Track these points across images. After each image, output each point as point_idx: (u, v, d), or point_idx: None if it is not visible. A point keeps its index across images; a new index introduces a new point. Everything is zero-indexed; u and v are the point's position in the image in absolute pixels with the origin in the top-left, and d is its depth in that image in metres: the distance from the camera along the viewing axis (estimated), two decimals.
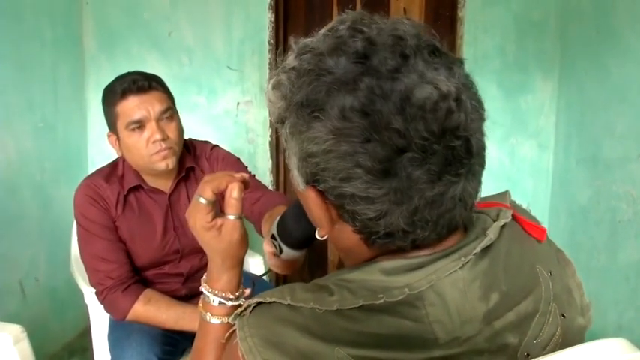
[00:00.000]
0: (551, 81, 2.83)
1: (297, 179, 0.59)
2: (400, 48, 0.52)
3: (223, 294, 0.77)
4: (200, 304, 0.79)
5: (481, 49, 2.79)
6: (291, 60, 0.56)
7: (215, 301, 0.77)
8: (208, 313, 0.77)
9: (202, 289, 0.79)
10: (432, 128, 0.50)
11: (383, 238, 0.56)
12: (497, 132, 2.85)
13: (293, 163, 0.58)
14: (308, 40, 0.57)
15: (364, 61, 0.52)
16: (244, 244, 0.78)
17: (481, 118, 0.56)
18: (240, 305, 0.78)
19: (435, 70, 0.52)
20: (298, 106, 0.54)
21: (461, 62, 0.56)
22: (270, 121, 0.62)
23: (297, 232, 0.87)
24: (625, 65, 2.21)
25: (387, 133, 0.50)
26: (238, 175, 0.78)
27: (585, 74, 2.53)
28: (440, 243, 0.59)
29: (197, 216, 0.75)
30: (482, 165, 0.57)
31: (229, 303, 0.77)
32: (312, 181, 0.56)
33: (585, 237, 2.50)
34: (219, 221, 0.76)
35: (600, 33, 2.40)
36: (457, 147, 0.52)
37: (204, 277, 0.80)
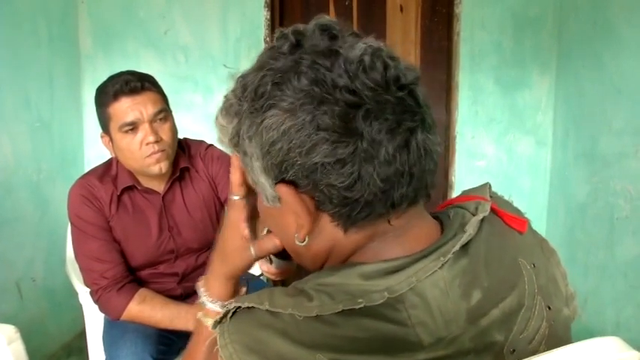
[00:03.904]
0: (548, 76, 2.83)
1: (264, 189, 0.58)
2: (328, 32, 0.56)
3: (215, 300, 0.76)
4: (199, 304, 0.78)
5: (478, 45, 2.78)
6: (234, 85, 0.59)
7: (207, 304, 0.76)
8: (207, 317, 0.75)
9: (199, 293, 0.78)
10: (376, 79, 0.53)
11: (363, 210, 0.55)
12: (494, 128, 2.85)
13: (258, 168, 0.57)
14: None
15: (299, 49, 0.55)
16: (244, 253, 0.74)
17: (417, 75, 0.58)
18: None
19: (364, 41, 0.56)
20: (250, 107, 0.56)
21: (384, 44, 0.59)
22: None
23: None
24: (622, 60, 2.20)
25: (338, 92, 0.52)
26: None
27: (582, 69, 2.53)
28: (417, 240, 0.58)
29: (234, 213, 0.72)
30: (433, 120, 0.58)
31: (220, 309, 0.75)
32: (280, 172, 0.56)
33: (583, 234, 2.50)
34: (246, 231, 0.72)
35: (597, 28, 2.40)
36: (405, 98, 0.54)
37: (201, 280, 0.79)
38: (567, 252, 2.51)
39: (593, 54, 2.42)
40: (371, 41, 0.56)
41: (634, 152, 2.10)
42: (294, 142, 0.53)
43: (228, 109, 0.59)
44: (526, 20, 2.79)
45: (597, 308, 2.30)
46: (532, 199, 2.90)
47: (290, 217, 0.58)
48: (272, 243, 0.69)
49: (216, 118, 0.61)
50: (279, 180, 0.56)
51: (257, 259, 0.74)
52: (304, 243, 0.60)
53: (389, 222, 0.58)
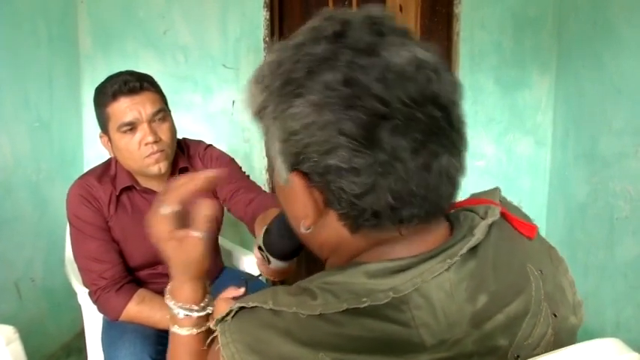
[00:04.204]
0: (548, 76, 2.82)
1: (280, 169, 0.58)
2: (376, 27, 0.53)
3: (187, 306, 0.75)
4: (168, 316, 0.77)
5: (478, 45, 2.78)
6: (270, 56, 0.58)
7: (180, 313, 0.75)
8: (176, 325, 0.76)
9: (166, 300, 0.77)
10: (412, 94, 0.50)
11: (370, 220, 0.55)
12: (494, 129, 2.84)
13: (276, 150, 0.57)
14: (287, 40, 0.58)
15: (341, 39, 0.53)
16: (205, 260, 0.74)
17: (459, 94, 0.56)
18: (208, 315, 0.75)
19: (411, 46, 0.53)
20: (280, 88, 0.54)
21: (434, 47, 0.56)
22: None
23: (281, 246, 0.86)
24: (622, 60, 2.20)
25: (368, 99, 0.50)
26: (204, 175, 0.72)
27: (582, 69, 2.52)
28: (426, 240, 0.58)
29: (158, 225, 0.71)
30: (464, 144, 0.57)
31: (194, 314, 0.75)
32: (296, 162, 0.55)
33: (583, 234, 2.49)
34: (181, 233, 0.71)
35: (597, 28, 2.39)
36: (439, 118, 0.52)
37: (167, 287, 0.78)
38: (567, 252, 2.50)
39: (593, 54, 2.42)
40: (419, 49, 0.53)
41: (634, 152, 2.10)
42: (314, 138, 0.52)
43: (260, 80, 0.58)
44: (526, 20, 2.78)
45: (597, 309, 2.29)
46: (532, 199, 2.89)
47: (299, 203, 0.58)
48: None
49: (249, 83, 0.60)
50: (294, 168, 0.56)
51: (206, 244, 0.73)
52: (309, 231, 0.61)
53: (399, 232, 0.57)
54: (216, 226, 1.61)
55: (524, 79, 2.82)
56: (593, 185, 2.41)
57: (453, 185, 0.56)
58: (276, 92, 0.55)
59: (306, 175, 0.56)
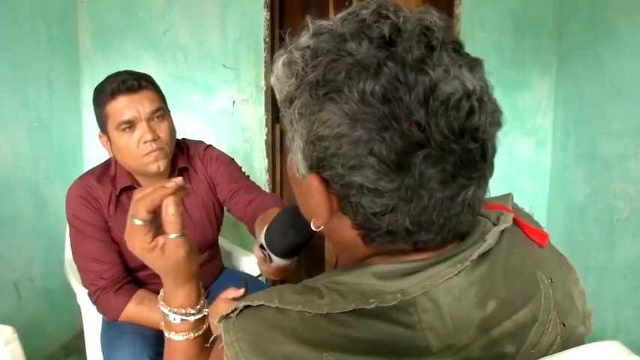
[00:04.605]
0: (548, 78, 2.82)
1: (299, 164, 0.55)
2: (427, 38, 0.50)
3: (183, 310, 0.74)
4: (162, 323, 0.76)
5: (478, 46, 2.77)
6: (305, 39, 0.54)
7: (176, 319, 0.74)
8: (172, 331, 0.75)
9: (161, 308, 0.75)
10: (452, 126, 0.48)
11: (383, 236, 0.54)
12: None
13: (297, 146, 0.54)
14: (325, 22, 0.54)
15: (389, 47, 0.49)
16: (192, 259, 0.72)
17: (498, 124, 0.54)
18: (204, 317, 0.74)
19: (459, 67, 0.50)
20: (312, 85, 0.51)
21: (482, 63, 0.54)
22: (277, 105, 0.57)
23: (284, 243, 0.86)
24: (622, 61, 2.20)
25: (407, 124, 0.47)
26: (171, 184, 0.67)
27: (582, 70, 2.52)
28: (438, 247, 0.57)
29: (135, 238, 0.68)
30: (491, 172, 0.56)
31: (191, 318, 0.74)
32: (317, 166, 0.53)
33: (583, 235, 2.49)
34: (160, 240, 0.68)
35: (597, 29, 2.39)
36: (473, 150, 0.51)
37: (160, 294, 0.76)
38: (567, 253, 2.45)
39: (593, 55, 2.42)
40: (466, 73, 0.50)
41: (634, 154, 2.10)
42: (341, 151, 0.50)
43: (290, 65, 0.54)
44: (526, 21, 2.78)
45: (597, 310, 2.26)
46: (532, 200, 2.89)
47: (312, 201, 0.56)
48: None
49: (278, 62, 0.56)
50: (315, 171, 0.54)
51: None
52: (318, 229, 0.59)
53: (413, 248, 0.56)
54: (218, 213, 1.60)
55: (524, 80, 2.82)
56: (593, 186, 2.41)
57: (473, 214, 0.55)
58: (308, 87, 0.51)
59: (325, 180, 0.54)
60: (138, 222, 0.67)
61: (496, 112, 0.54)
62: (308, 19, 0.55)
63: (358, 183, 0.50)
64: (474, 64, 0.52)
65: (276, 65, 0.56)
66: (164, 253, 0.69)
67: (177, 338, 0.74)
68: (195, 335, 0.75)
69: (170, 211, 0.66)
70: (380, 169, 0.49)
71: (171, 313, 0.74)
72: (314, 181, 0.54)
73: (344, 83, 0.49)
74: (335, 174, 0.52)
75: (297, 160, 0.56)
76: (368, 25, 0.51)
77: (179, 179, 0.70)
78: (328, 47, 0.51)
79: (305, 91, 0.52)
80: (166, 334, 0.75)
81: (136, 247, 0.69)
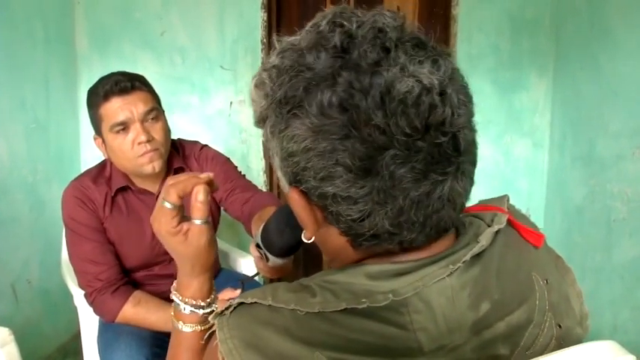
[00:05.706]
0: (545, 78, 2.83)
1: (281, 180, 0.58)
2: (380, 41, 0.50)
3: (194, 302, 0.75)
4: (172, 313, 0.77)
5: (475, 47, 2.78)
6: (273, 58, 0.55)
7: (186, 309, 0.75)
8: (180, 321, 0.75)
9: (173, 297, 0.77)
10: (414, 124, 0.48)
11: (369, 240, 0.54)
12: (491, 131, 2.84)
13: (276, 163, 0.57)
14: (291, 37, 0.55)
15: (343, 55, 0.50)
16: (212, 249, 0.74)
17: (469, 113, 0.54)
18: (212, 312, 0.74)
19: (419, 63, 0.50)
20: (277, 104, 0.52)
21: (448, 55, 0.53)
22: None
23: (280, 242, 0.85)
24: (619, 62, 2.20)
25: (367, 129, 0.48)
26: (204, 176, 0.73)
27: (580, 71, 2.53)
28: (430, 247, 0.57)
29: (162, 220, 0.70)
30: (473, 163, 0.55)
31: (201, 311, 0.75)
32: (294, 181, 0.55)
33: (580, 236, 2.49)
34: (185, 226, 0.71)
35: (594, 30, 2.40)
36: (443, 144, 0.50)
37: (173, 284, 0.78)
38: (564, 254, 2.44)
39: (590, 56, 2.42)
40: (425, 68, 0.49)
41: (631, 154, 2.10)
42: (310, 164, 0.51)
43: (260, 86, 0.55)
44: (523, 22, 2.78)
45: (594, 311, 2.27)
46: (529, 201, 2.89)
47: (299, 214, 0.58)
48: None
49: (251, 87, 0.58)
50: (294, 185, 0.55)
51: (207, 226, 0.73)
52: (310, 241, 0.61)
53: (401, 248, 0.56)
54: (215, 213, 1.60)
55: (521, 81, 2.83)
56: (590, 187, 2.41)
57: (455, 208, 0.55)
58: (275, 106, 0.53)
59: (304, 193, 0.55)
60: (168, 205, 0.69)
61: (465, 103, 0.53)
62: (274, 38, 0.56)
63: (331, 193, 0.51)
64: (438, 57, 0.51)
65: (251, 87, 0.58)
66: (187, 238, 0.71)
67: (185, 329, 0.75)
68: (202, 329, 0.75)
69: (200, 197, 0.70)
70: (348, 178, 0.50)
71: (182, 303, 0.75)
72: (294, 195, 0.56)
73: (304, 98, 0.50)
74: (311, 186, 0.53)
75: (280, 177, 0.58)
76: (324, 36, 0.51)
77: (210, 174, 0.74)
78: (290, 64, 0.52)
79: (272, 110, 0.53)
80: (175, 324, 0.76)
81: (162, 228, 0.71)
